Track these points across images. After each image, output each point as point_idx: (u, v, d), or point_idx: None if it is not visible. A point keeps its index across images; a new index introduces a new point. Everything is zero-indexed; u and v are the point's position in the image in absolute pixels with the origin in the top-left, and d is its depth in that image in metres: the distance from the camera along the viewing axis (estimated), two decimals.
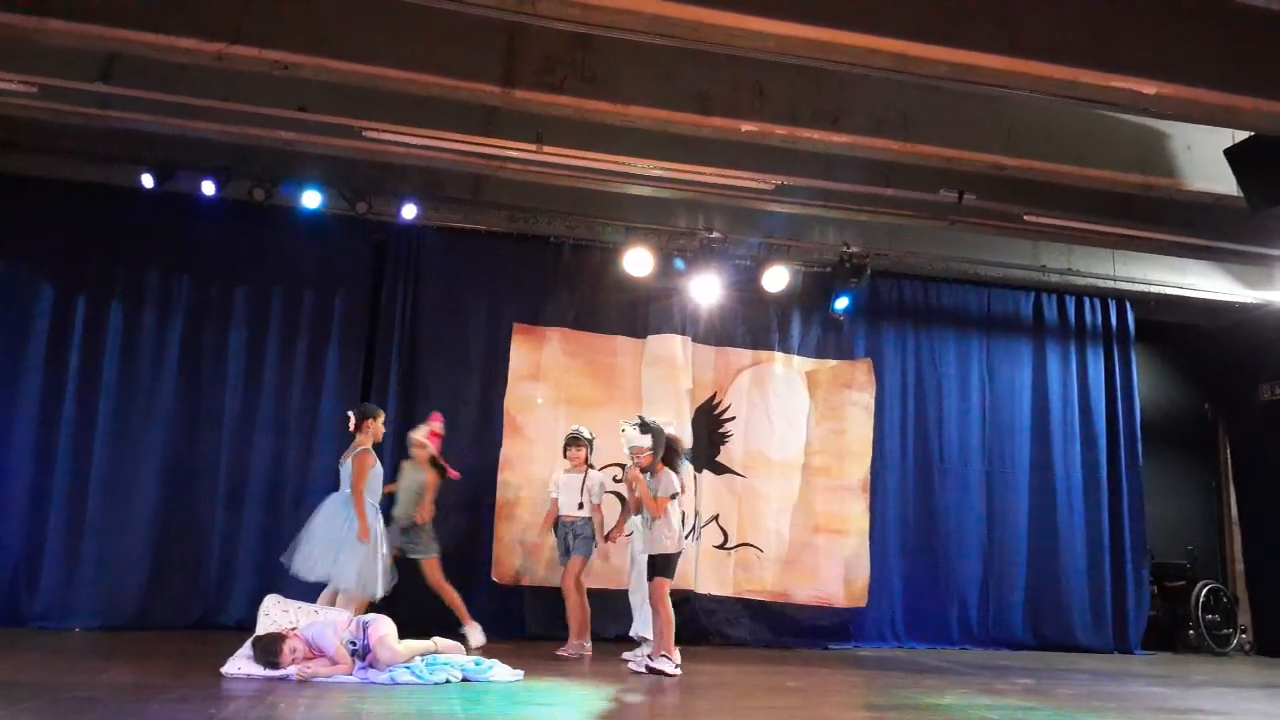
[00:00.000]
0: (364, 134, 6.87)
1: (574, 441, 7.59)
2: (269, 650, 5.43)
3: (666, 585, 6.32)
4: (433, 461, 7.36)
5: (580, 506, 7.34)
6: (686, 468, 8.66)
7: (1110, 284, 9.76)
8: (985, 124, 6.65)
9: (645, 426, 6.55)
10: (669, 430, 6.72)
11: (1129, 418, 10.18)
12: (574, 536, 7.33)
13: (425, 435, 7.38)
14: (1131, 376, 10.30)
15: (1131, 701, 5.91)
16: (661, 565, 6.34)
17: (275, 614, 5.81)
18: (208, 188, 7.75)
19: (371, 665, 5.54)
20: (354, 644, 5.57)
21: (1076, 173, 6.88)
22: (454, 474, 7.40)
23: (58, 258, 8.03)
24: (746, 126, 6.35)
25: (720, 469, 9.10)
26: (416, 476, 7.32)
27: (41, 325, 7.93)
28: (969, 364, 9.97)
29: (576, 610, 7.28)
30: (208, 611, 7.85)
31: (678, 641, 6.45)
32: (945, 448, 9.73)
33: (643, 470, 6.49)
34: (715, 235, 8.70)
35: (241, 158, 7.71)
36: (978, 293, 10.08)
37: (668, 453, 6.55)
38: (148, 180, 7.61)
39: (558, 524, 7.45)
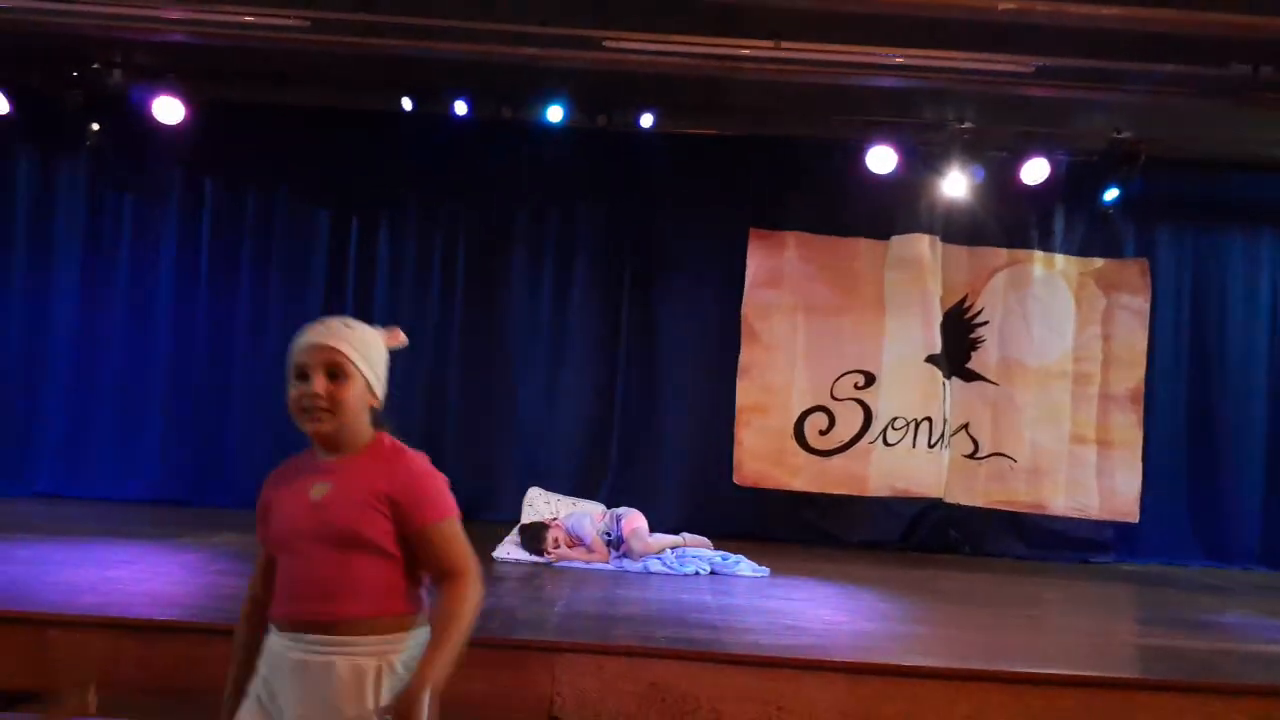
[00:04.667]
0: (603, 44, 6.94)
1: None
2: (535, 538, 5.83)
3: None
4: None
5: None
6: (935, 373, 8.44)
7: None
8: None
9: None
10: None
11: None
12: None
13: None
14: None
15: None
16: None
17: (539, 504, 6.24)
18: (460, 108, 8.11)
19: (625, 555, 5.82)
20: (609, 535, 5.88)
21: None
22: None
23: (331, 182, 8.70)
24: (1004, 5, 5.87)
25: (971, 376, 8.70)
26: None
27: (321, 245, 8.67)
28: (1259, 262, 8.89)
29: None
30: (479, 502, 8.39)
31: (923, 549, 6.30)
32: (1226, 355, 8.81)
33: None
34: (966, 125, 8.17)
35: (489, 76, 8.00)
36: (1270, 180, 8.90)
37: None
38: (406, 103, 8.06)
39: None
